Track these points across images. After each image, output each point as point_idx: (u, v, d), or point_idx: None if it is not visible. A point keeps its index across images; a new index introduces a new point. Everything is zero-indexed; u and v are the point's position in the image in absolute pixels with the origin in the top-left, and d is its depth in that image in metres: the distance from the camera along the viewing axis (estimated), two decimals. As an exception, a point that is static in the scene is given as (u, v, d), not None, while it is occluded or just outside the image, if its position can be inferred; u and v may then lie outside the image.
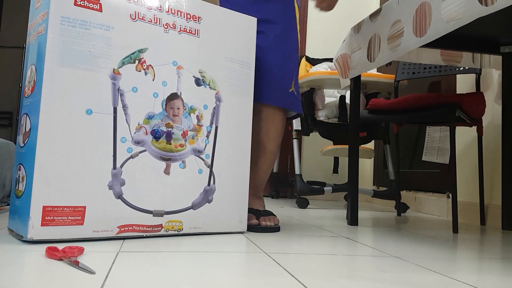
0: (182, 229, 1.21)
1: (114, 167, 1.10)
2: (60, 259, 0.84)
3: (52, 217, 1.01)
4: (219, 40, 1.30)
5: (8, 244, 0.98)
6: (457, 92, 2.28)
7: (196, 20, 1.25)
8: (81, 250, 0.90)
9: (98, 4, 1.09)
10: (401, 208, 2.35)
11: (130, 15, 1.14)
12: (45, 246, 0.92)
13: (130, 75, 1.13)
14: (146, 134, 1.15)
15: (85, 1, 1.08)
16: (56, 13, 1.04)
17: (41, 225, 1.00)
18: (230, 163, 1.31)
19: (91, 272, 0.76)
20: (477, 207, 2.03)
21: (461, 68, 2.09)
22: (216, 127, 1.29)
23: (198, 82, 1.24)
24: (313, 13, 3.39)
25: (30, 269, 0.77)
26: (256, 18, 1.39)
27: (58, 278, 0.72)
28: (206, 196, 1.26)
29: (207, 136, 1.27)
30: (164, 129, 1.18)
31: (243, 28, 1.35)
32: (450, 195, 2.24)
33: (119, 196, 1.11)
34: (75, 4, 1.06)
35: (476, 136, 2.11)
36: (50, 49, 1.02)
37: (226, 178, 1.30)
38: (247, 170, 1.35)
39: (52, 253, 0.86)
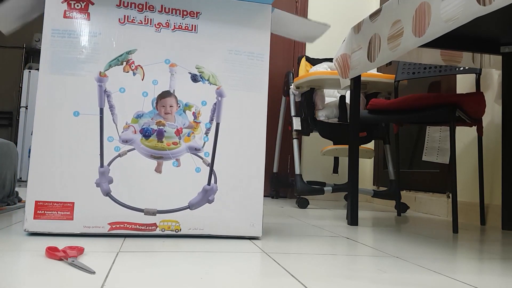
0: (180, 229, 1.20)
1: (102, 165, 1.15)
2: (60, 259, 0.84)
3: (43, 211, 1.11)
4: (221, 33, 1.26)
5: (8, 244, 0.99)
6: (457, 92, 2.28)
7: (194, 16, 1.24)
8: (81, 250, 0.90)
9: (87, 14, 1.17)
10: (401, 208, 2.35)
11: (119, 19, 1.19)
12: (45, 245, 0.92)
13: (117, 77, 1.18)
14: (135, 133, 1.17)
15: (73, 12, 1.17)
16: (47, 27, 1.16)
17: (34, 218, 1.11)
18: (236, 162, 1.25)
19: (91, 272, 0.76)
20: (477, 207, 2.03)
21: (461, 68, 2.09)
22: (218, 124, 1.25)
23: (195, 78, 1.23)
24: (313, 13, 3.39)
25: (30, 269, 0.77)
26: (270, 4, 1.30)
27: (58, 278, 0.72)
28: (206, 196, 1.23)
29: (206, 133, 1.24)
30: (155, 127, 1.19)
31: (253, 16, 1.28)
32: (450, 195, 2.23)
33: (107, 193, 1.14)
34: (64, 16, 1.16)
35: (476, 136, 2.11)
36: (43, 59, 1.15)
37: (231, 178, 1.24)
38: (261, 170, 1.26)
39: (52, 253, 0.86)
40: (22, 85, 3.90)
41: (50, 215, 1.12)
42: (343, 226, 1.66)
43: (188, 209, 1.22)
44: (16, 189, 1.90)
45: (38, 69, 3.28)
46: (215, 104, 1.26)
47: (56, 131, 1.14)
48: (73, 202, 1.13)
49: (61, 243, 1.00)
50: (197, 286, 0.71)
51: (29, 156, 3.01)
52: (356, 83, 1.77)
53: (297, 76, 2.81)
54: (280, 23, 1.46)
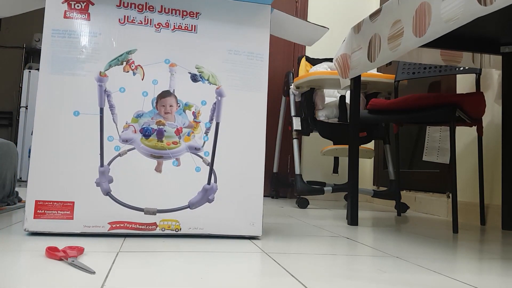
0: (180, 229, 1.20)
1: (102, 165, 1.15)
2: (60, 259, 0.84)
3: (43, 211, 1.12)
4: (221, 33, 1.27)
5: (8, 244, 0.99)
6: (457, 92, 2.28)
7: (193, 16, 1.25)
8: (81, 250, 0.90)
9: (87, 14, 1.18)
10: (401, 208, 2.35)
11: (119, 19, 1.19)
12: (45, 245, 0.92)
13: (117, 76, 1.19)
14: (135, 132, 1.18)
15: (74, 13, 1.18)
16: (48, 27, 1.17)
17: (34, 218, 1.12)
18: (236, 161, 1.25)
19: (91, 272, 0.76)
20: (477, 207, 2.03)
21: (461, 68, 2.09)
22: (217, 123, 1.25)
23: (194, 78, 1.23)
24: (313, 13, 3.39)
25: (30, 269, 0.77)
26: (269, 5, 1.30)
27: (58, 278, 0.72)
28: (206, 195, 1.23)
29: (206, 133, 1.24)
30: (155, 127, 1.19)
31: (252, 16, 1.28)
32: (450, 195, 2.24)
33: (107, 193, 1.15)
34: (65, 17, 1.17)
35: (476, 136, 2.11)
36: (43, 59, 1.16)
37: (231, 177, 1.24)
38: (261, 169, 1.26)
39: (52, 253, 0.86)
40: (22, 85, 3.90)
41: (50, 214, 1.12)
42: (343, 226, 1.66)
43: (188, 209, 1.22)
44: (16, 189, 1.90)
45: (38, 69, 3.28)
46: (214, 103, 1.26)
47: (56, 131, 1.15)
48: (73, 202, 1.13)
49: (61, 243, 1.00)
50: (197, 286, 0.71)
51: (29, 156, 3.01)
52: (356, 83, 1.77)
53: (297, 76, 2.81)
54: (279, 24, 1.46)
